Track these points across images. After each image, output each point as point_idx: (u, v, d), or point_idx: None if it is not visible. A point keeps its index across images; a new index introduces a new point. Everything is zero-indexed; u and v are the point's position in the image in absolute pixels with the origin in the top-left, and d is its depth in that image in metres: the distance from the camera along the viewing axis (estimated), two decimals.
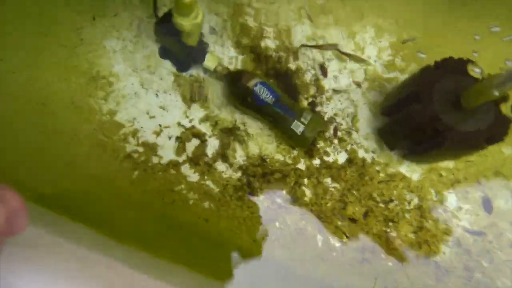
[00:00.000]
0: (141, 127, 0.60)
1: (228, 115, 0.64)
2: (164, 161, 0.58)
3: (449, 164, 0.63)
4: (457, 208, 0.60)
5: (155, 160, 0.57)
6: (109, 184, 0.54)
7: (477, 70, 0.49)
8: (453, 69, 0.51)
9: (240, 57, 0.68)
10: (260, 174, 0.62)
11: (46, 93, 0.58)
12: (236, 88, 0.59)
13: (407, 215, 0.60)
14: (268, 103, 0.58)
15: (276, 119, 0.59)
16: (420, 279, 0.57)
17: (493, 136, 0.47)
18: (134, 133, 0.59)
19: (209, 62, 0.60)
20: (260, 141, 0.64)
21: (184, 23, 0.49)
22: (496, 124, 0.47)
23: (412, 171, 0.63)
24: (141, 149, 0.57)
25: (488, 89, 0.42)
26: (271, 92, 0.58)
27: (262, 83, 0.58)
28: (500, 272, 0.57)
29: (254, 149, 0.63)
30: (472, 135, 0.47)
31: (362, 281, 0.57)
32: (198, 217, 0.55)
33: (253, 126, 0.64)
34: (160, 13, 0.61)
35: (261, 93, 0.57)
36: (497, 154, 0.62)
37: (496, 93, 0.41)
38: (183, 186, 0.56)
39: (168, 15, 0.53)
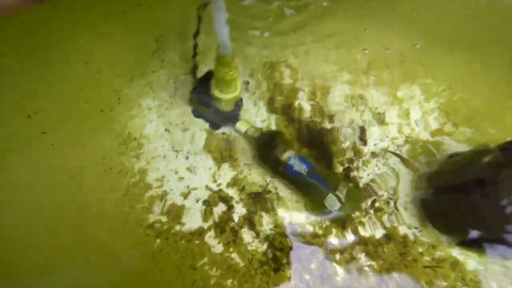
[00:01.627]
0: (170, 189, 0.59)
1: (258, 177, 0.61)
2: (188, 228, 0.56)
3: None
4: None
5: (178, 227, 0.55)
6: (128, 262, 0.52)
7: None
8: None
9: (274, 117, 0.66)
10: (289, 247, 0.57)
11: (79, 159, 0.58)
12: (269, 156, 0.57)
13: None
14: (302, 174, 0.54)
15: (309, 189, 0.55)
16: None
17: None
18: (163, 196, 0.58)
19: (241, 125, 0.58)
20: (291, 207, 0.60)
21: (223, 97, 0.48)
22: None
23: (467, 256, 0.55)
24: (164, 219, 0.56)
25: None
26: (305, 163, 0.55)
27: (297, 156, 0.55)
28: None
29: (283, 217, 0.59)
30: None
31: None
32: None
33: (284, 191, 0.61)
34: (199, 72, 0.62)
35: (295, 165, 0.54)
36: None
37: None
38: (206, 260, 0.53)
39: (205, 81, 0.52)
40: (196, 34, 0.67)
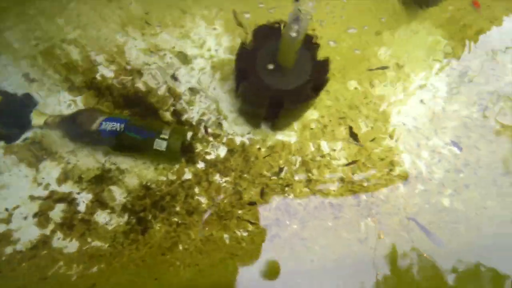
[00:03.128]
0: None
1: (90, 159, 0.58)
2: (26, 244, 0.50)
3: (313, 115, 0.69)
4: (331, 150, 0.66)
5: (9, 249, 0.49)
6: None
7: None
8: (267, 35, 0.54)
9: (79, 98, 0.62)
10: (150, 204, 0.59)
11: None
12: (82, 135, 0.54)
13: (296, 177, 0.64)
14: (119, 131, 0.54)
15: (138, 145, 0.56)
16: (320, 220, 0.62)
17: (318, 83, 0.52)
18: None
19: (35, 120, 0.53)
20: (138, 171, 0.61)
21: None
22: (316, 72, 0.52)
23: (289, 136, 0.67)
24: None
25: (287, 36, 0.44)
26: (117, 121, 0.54)
27: (105, 119, 0.54)
28: (380, 186, 0.66)
29: (133, 181, 0.59)
30: (301, 89, 0.51)
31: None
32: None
33: (125, 162, 0.60)
34: None
35: (107, 127, 0.53)
36: (345, 91, 0.70)
37: (294, 34, 0.43)
38: (61, 263, 0.50)
39: None
40: None
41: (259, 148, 0.66)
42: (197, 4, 0.72)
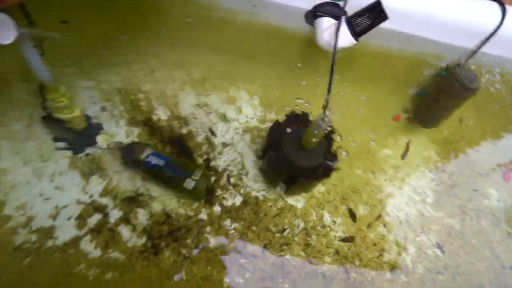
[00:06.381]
0: (36, 213, 0.61)
1: (128, 183, 0.70)
2: (62, 240, 0.59)
3: (321, 188, 0.79)
4: (332, 222, 0.75)
5: (50, 243, 0.58)
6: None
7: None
8: (296, 120, 0.69)
9: (136, 130, 0.77)
10: (167, 232, 0.67)
11: None
12: (132, 160, 0.67)
13: (296, 238, 0.72)
14: (160, 166, 0.66)
15: (171, 180, 0.68)
16: None
17: (328, 167, 0.64)
18: (27, 222, 0.60)
19: (101, 141, 0.67)
20: (163, 199, 0.71)
21: (65, 117, 0.56)
22: (328, 157, 0.64)
23: (297, 201, 0.77)
24: (34, 237, 0.58)
25: (311, 133, 0.59)
26: (161, 157, 0.67)
27: (153, 153, 0.67)
28: (369, 268, 0.72)
29: (157, 207, 0.69)
30: (313, 169, 0.63)
31: None
32: None
33: (155, 190, 0.71)
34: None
35: (152, 160, 0.66)
36: (351, 175, 0.82)
37: (314, 139, 0.58)
38: (83, 266, 0.58)
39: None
40: None
41: (271, 206, 0.75)
42: (244, 80, 0.91)
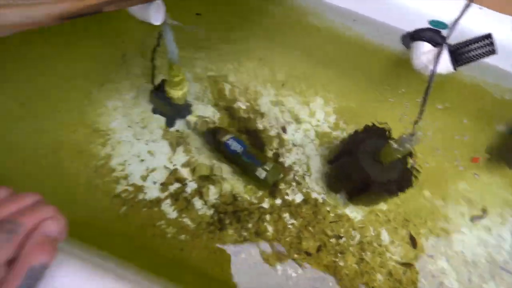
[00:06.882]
0: (131, 172, 0.71)
1: (206, 160, 0.77)
2: (149, 197, 0.69)
3: (383, 206, 0.78)
4: (390, 242, 0.73)
5: (140, 196, 0.68)
6: (100, 217, 0.63)
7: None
8: (375, 133, 0.69)
9: (218, 115, 0.84)
10: (231, 212, 0.73)
11: (58, 140, 0.71)
12: (213, 140, 0.75)
13: (351, 249, 0.73)
14: (238, 152, 0.72)
15: (245, 166, 0.73)
16: None
17: (402, 185, 0.64)
18: (124, 178, 0.70)
19: (191, 117, 0.76)
20: (232, 182, 0.77)
21: (174, 93, 0.65)
22: (403, 176, 0.64)
23: (356, 212, 0.77)
24: (131, 188, 0.68)
25: (391, 151, 0.59)
26: (240, 144, 0.73)
27: (234, 138, 0.74)
28: None
29: (227, 188, 0.76)
30: (387, 184, 0.63)
31: None
32: (174, 248, 0.64)
33: (227, 171, 0.78)
34: (156, 80, 0.78)
35: (232, 145, 0.73)
36: (418, 198, 0.79)
37: (398, 155, 0.59)
38: (163, 222, 0.66)
39: (161, 85, 0.69)
40: (155, 49, 0.83)
41: (329, 211, 0.77)
42: (322, 86, 0.93)
